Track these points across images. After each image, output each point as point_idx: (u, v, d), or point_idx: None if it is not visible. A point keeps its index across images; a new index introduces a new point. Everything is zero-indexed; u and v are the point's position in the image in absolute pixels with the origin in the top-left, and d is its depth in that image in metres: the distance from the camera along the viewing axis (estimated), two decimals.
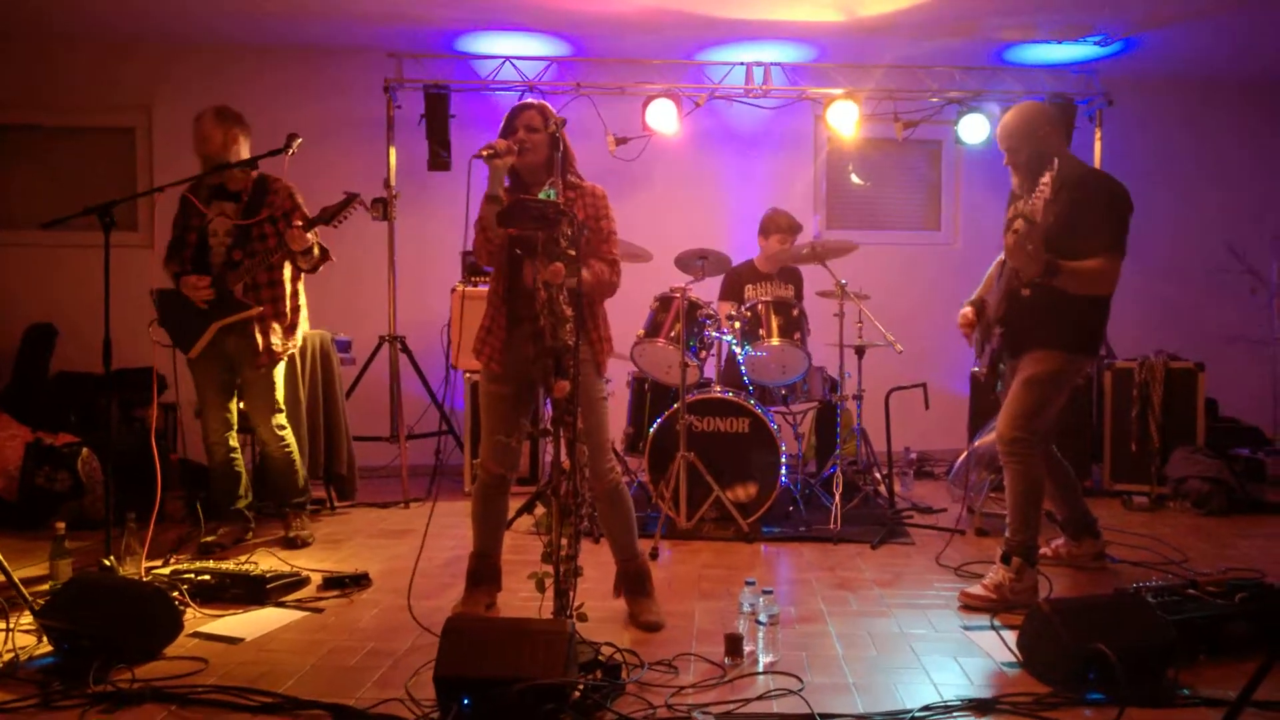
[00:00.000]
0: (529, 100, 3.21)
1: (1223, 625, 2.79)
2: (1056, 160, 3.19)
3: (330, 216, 3.86)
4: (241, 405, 4.13)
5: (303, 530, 4.13)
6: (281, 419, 4.09)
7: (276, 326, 3.99)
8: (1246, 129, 6.48)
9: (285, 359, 4.07)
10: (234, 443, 4.11)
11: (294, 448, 4.15)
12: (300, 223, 3.86)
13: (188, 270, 3.93)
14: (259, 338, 3.94)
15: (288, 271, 4.02)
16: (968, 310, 3.66)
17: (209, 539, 3.99)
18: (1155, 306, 6.14)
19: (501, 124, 3.06)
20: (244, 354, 3.96)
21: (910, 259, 6.38)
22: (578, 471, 2.67)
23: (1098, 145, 5.95)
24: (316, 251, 3.96)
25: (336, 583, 3.48)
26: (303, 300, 4.16)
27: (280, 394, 4.08)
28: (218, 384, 4.04)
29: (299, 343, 4.16)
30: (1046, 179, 3.09)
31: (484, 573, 3.23)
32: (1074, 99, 5.83)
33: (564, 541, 2.66)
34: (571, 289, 2.68)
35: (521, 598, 3.33)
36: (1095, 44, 5.61)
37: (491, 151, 2.91)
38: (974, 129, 5.73)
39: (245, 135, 4.01)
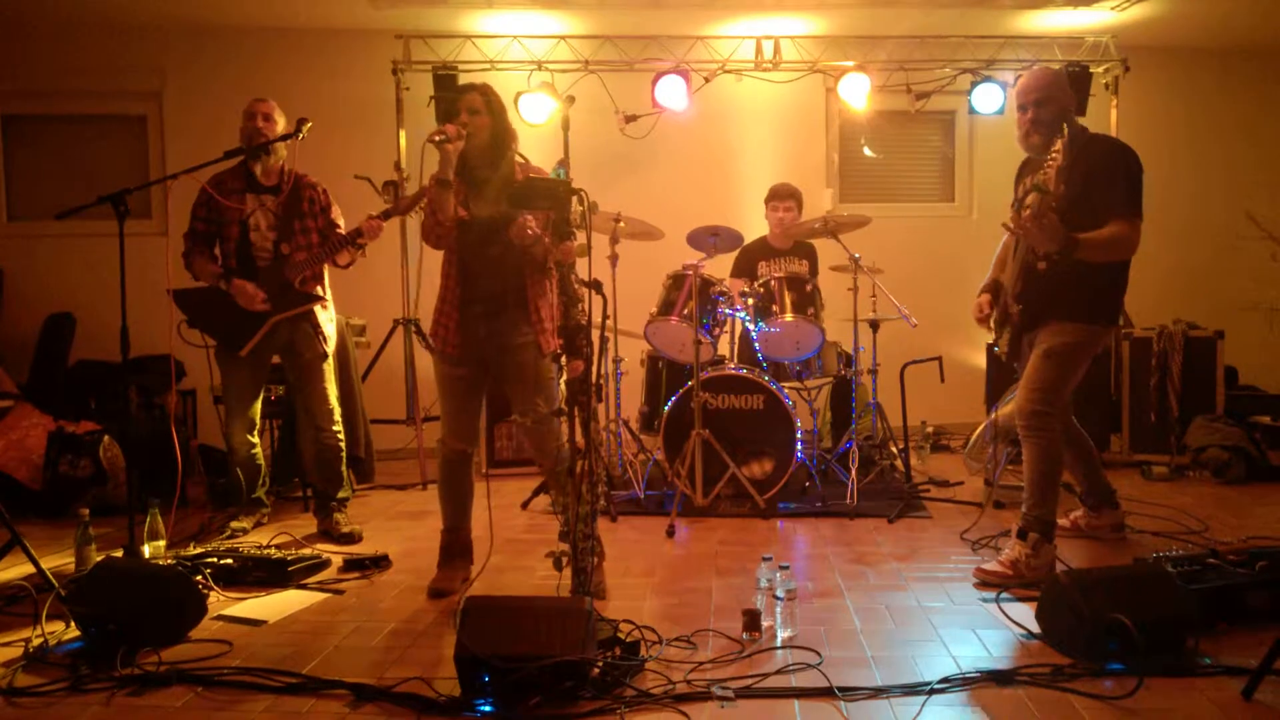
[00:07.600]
0: (470, 83, 3.23)
1: (1243, 594, 2.78)
2: (1066, 127, 3.14)
3: (408, 209, 3.86)
4: (273, 396, 4.20)
5: (353, 526, 4.03)
6: (336, 403, 4.09)
7: (325, 315, 4.04)
8: (1265, 95, 6.38)
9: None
10: (255, 439, 4.12)
11: (344, 438, 4.15)
12: (378, 215, 3.86)
13: (234, 270, 3.86)
14: (319, 325, 3.98)
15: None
16: (983, 299, 3.59)
17: (235, 523, 4.03)
18: (1174, 275, 6.07)
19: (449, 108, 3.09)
20: (305, 341, 3.96)
21: (924, 231, 6.32)
22: (593, 450, 2.68)
23: (1114, 113, 5.87)
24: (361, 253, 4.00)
25: (357, 564, 3.51)
26: None
27: (334, 381, 4.10)
28: (250, 381, 4.00)
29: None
30: (1058, 146, 3.05)
31: (456, 547, 3.32)
32: (1089, 66, 5.74)
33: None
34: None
35: (540, 576, 3.35)
36: (1110, 9, 5.52)
37: (443, 137, 2.95)
38: (988, 99, 5.65)
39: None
